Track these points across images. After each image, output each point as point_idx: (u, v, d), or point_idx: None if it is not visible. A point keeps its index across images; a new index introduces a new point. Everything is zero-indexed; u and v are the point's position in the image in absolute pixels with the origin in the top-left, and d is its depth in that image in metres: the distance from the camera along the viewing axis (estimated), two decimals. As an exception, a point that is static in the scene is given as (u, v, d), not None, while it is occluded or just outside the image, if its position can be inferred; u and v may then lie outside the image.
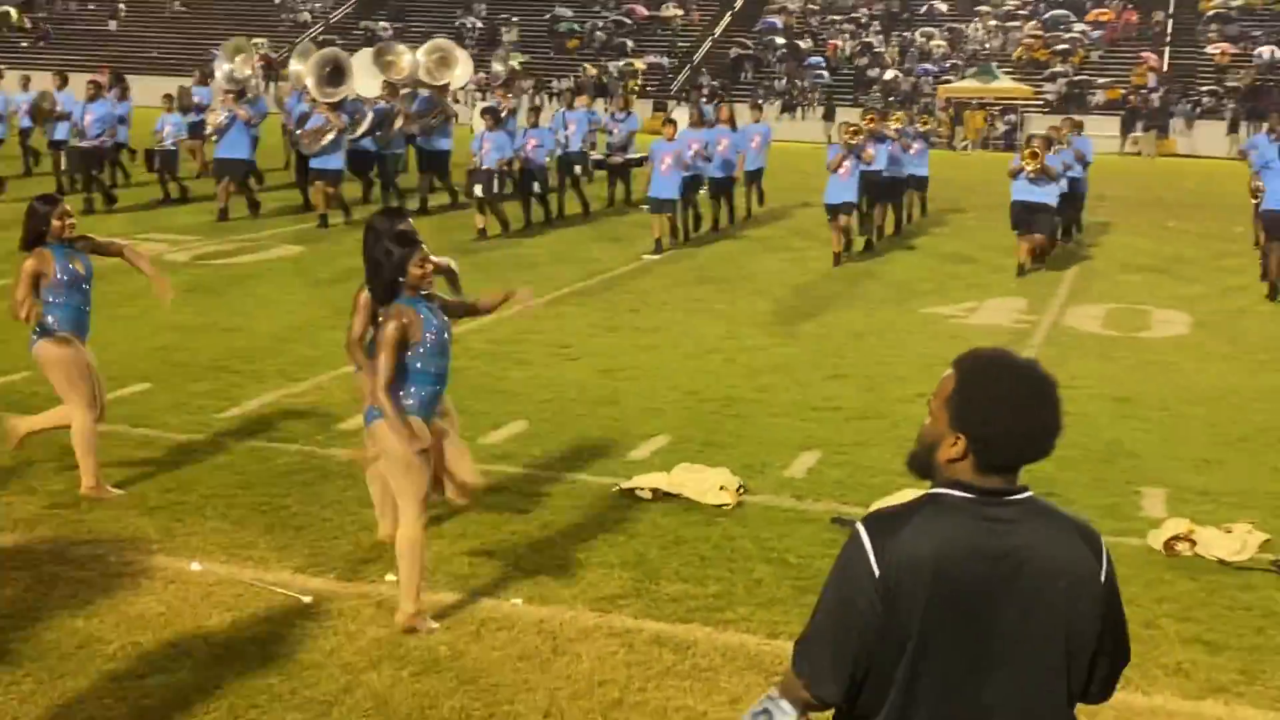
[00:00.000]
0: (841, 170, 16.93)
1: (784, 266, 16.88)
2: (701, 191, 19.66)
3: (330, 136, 18.81)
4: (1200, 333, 13.40)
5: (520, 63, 53.76)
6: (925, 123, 22.20)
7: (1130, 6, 55.07)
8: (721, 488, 7.60)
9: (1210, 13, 53.78)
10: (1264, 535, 7.16)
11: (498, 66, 31.26)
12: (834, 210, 17.08)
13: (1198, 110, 48.11)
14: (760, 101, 31.45)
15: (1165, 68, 50.66)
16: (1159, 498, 7.92)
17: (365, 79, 20.85)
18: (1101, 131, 46.38)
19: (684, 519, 7.32)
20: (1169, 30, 53.97)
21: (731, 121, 21.01)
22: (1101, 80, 50.33)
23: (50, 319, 7.26)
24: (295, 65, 22.57)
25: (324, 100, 19.09)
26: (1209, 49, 51.48)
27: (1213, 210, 25.47)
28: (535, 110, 21.38)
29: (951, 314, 13.95)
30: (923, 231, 20.87)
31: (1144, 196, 28.84)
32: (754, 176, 21.64)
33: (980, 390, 2.74)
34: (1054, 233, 17.52)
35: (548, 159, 20.30)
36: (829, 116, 45.13)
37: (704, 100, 34.84)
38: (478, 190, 18.30)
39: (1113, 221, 22.94)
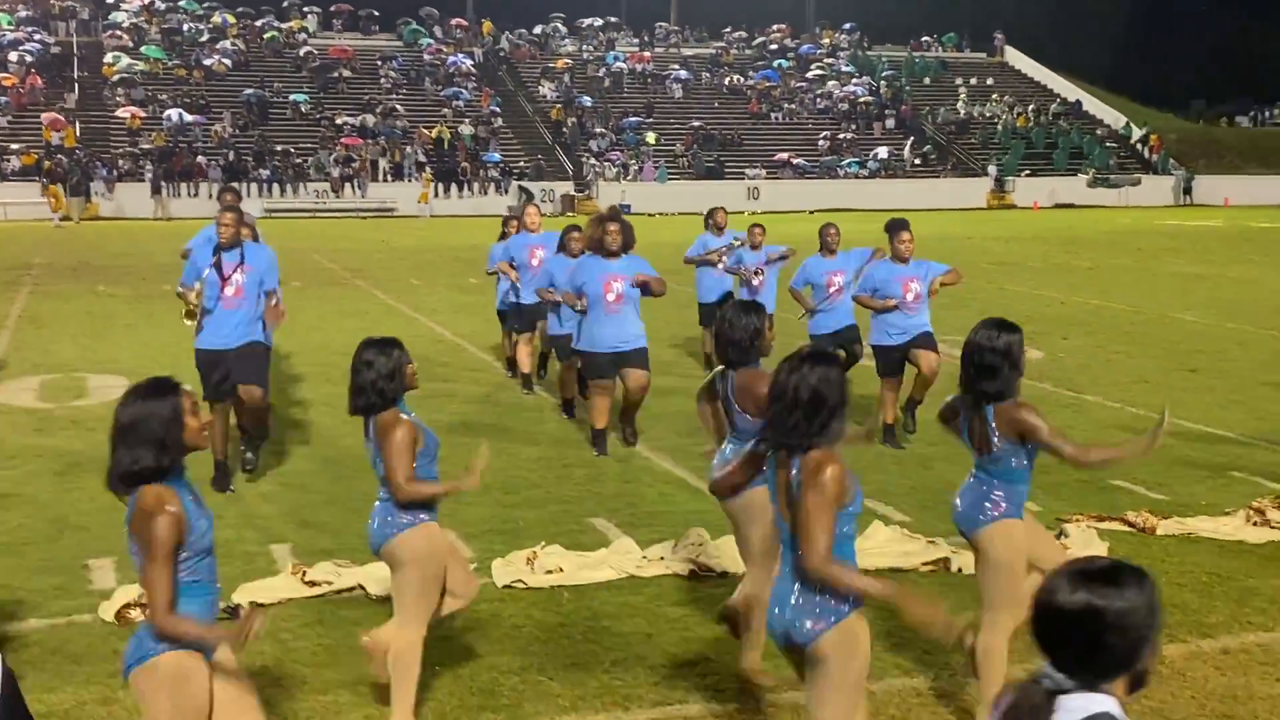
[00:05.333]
0: None
1: None
2: None
3: None
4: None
5: None
6: None
7: (34, 71, 54.05)
8: None
9: (115, 77, 54.59)
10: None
11: None
12: None
13: (116, 173, 48.61)
14: None
15: (79, 132, 50.47)
16: (108, 568, 7.71)
17: None
18: (25, 198, 45.15)
19: None
20: (78, 94, 53.90)
21: None
22: (15, 146, 48.82)
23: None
24: None
25: None
26: (119, 113, 52.25)
27: (142, 272, 25.76)
28: None
29: None
30: None
31: (72, 262, 28.41)
32: None
33: None
34: None
35: None
36: None
37: None
38: None
39: (42, 288, 22.23)
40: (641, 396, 10.64)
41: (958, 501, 5.54)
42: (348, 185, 51.35)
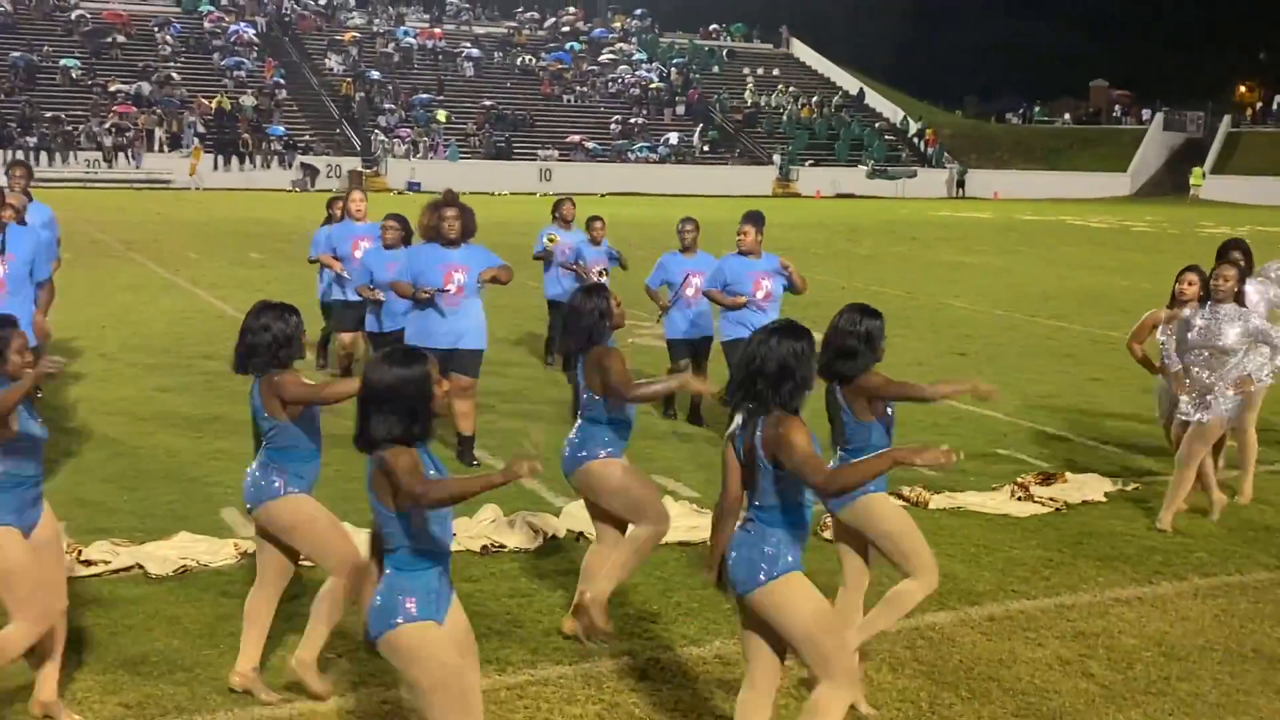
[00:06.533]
0: None
1: None
2: None
3: None
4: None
5: None
6: None
7: None
8: None
9: None
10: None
11: None
12: None
13: None
14: None
15: None
16: None
17: None
18: None
19: None
20: None
21: None
22: None
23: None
24: None
25: None
26: None
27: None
28: None
29: None
30: None
31: None
32: None
33: None
34: None
35: None
36: None
37: None
38: None
39: None
40: (466, 406, 9.63)
41: None
42: (121, 155, 49.32)
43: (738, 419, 4.70)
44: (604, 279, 12.55)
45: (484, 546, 7.56)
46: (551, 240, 13.43)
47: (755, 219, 10.35)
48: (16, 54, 52.68)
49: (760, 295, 10.18)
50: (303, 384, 5.48)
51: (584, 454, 6.20)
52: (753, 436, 4.57)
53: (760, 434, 4.54)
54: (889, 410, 5.71)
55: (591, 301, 6.17)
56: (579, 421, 6.29)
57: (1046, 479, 9.33)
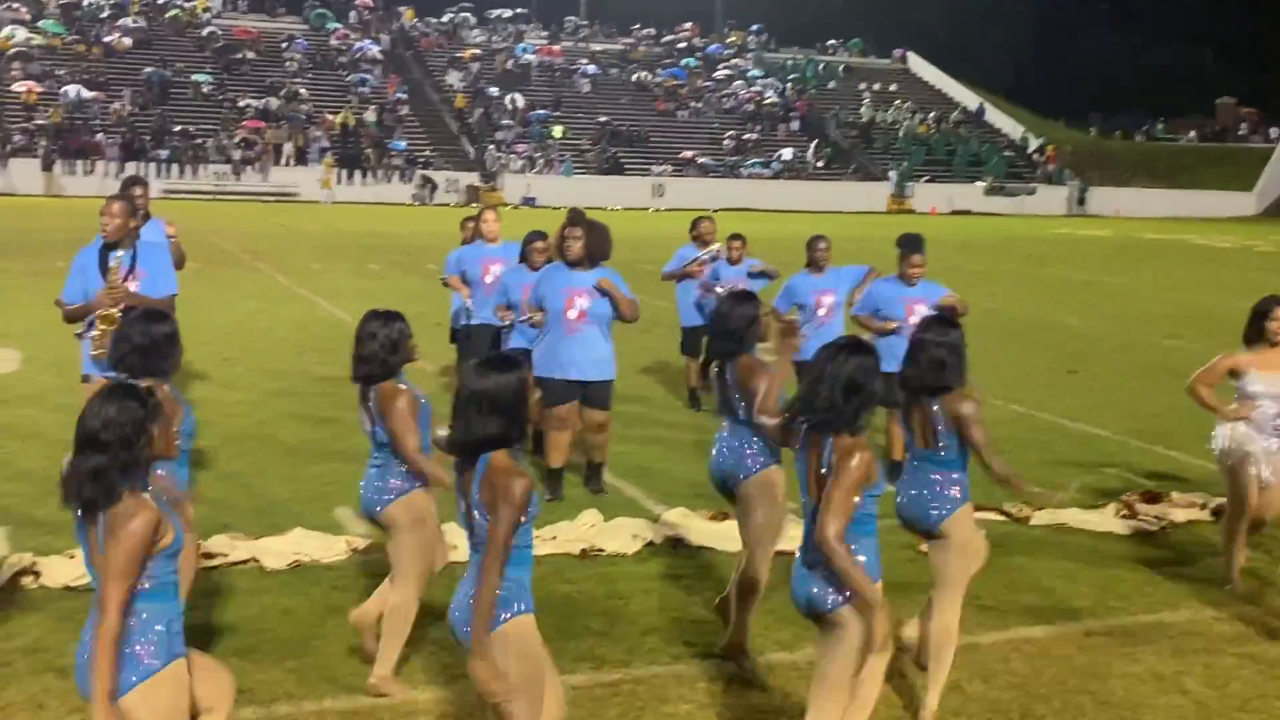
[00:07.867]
0: None
1: None
2: None
3: None
4: (32, 368, 13.29)
5: None
6: None
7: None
8: None
9: (11, 51, 53.32)
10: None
11: None
12: None
13: (9, 148, 47.55)
14: None
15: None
16: (1, 537, 7.69)
17: None
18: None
19: None
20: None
21: None
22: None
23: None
24: None
25: None
26: (15, 87, 51.06)
27: (35, 248, 25.31)
28: None
29: None
30: None
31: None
32: None
33: None
34: None
35: None
36: None
37: None
38: None
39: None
40: (599, 439, 9.08)
41: (903, 491, 5.72)
42: (249, 168, 50.68)
43: (804, 439, 4.74)
44: None
45: (584, 550, 7.73)
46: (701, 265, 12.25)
47: (921, 245, 9.68)
48: (151, 69, 54.43)
49: (914, 321, 9.23)
50: (408, 414, 5.65)
51: (758, 462, 6.06)
52: (823, 456, 4.62)
53: (832, 456, 4.58)
54: None
55: (741, 308, 6.17)
56: (729, 427, 6.16)
57: (1152, 498, 9.24)
